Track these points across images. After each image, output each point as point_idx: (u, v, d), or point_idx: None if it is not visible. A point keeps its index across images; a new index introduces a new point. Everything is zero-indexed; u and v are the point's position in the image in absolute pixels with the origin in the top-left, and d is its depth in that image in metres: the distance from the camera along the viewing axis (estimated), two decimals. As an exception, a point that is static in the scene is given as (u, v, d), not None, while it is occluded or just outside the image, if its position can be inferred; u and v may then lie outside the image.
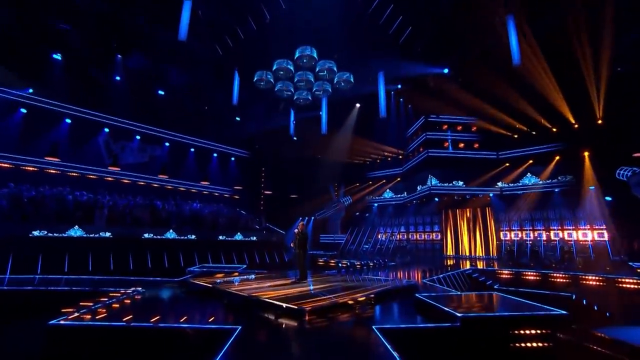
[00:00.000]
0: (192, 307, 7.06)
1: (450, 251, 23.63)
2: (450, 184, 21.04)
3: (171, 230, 17.26)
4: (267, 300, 6.79)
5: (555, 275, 14.38)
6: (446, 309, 5.99)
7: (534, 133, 19.90)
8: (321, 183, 26.74)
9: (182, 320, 5.54)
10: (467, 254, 22.78)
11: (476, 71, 16.13)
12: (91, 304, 6.31)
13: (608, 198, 17.00)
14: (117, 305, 6.63)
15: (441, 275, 13.89)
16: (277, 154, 26.35)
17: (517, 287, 13.64)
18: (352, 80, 12.35)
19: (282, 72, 11.75)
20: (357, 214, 28.35)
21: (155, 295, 8.29)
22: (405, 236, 26.46)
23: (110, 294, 7.48)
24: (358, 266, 16.39)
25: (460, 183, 21.03)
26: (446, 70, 17.57)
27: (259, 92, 20.88)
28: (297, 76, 12.24)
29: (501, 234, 21.96)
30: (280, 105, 17.72)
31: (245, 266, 15.47)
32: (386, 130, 22.18)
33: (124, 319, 5.45)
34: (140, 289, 8.45)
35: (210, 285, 8.55)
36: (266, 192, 26.49)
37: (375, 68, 14.55)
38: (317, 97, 13.74)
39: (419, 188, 22.73)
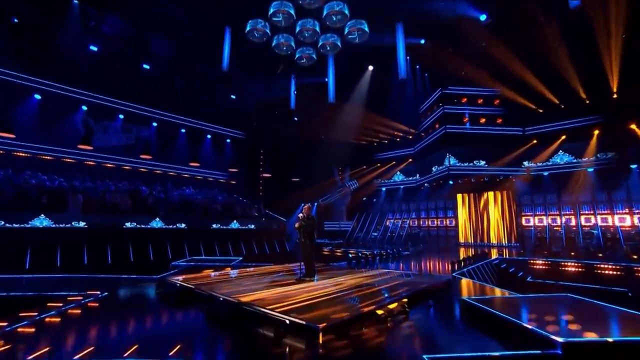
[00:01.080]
0: (157, 324, 5.20)
1: (467, 238, 21.80)
2: (471, 164, 19.04)
3: (157, 219, 15.40)
4: (264, 310, 4.93)
5: (601, 266, 12.55)
6: (528, 326, 4.10)
7: (562, 107, 17.80)
8: (325, 166, 24.76)
9: (126, 355, 3.64)
10: (485, 241, 20.95)
11: (523, 19, 13.68)
12: (5, 324, 4.43)
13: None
14: (51, 321, 4.76)
15: (470, 267, 12.07)
16: (276, 134, 24.31)
17: (555, 280, 11.84)
18: (366, 29, 10.22)
19: (280, 19, 9.63)
20: (364, 199, 26.47)
21: (115, 303, 6.44)
22: (417, 223, 24.62)
23: (50, 304, 5.60)
24: (369, 256, 14.56)
25: (482, 163, 19.02)
26: (484, 17, 15.01)
27: (254, 62, 18.77)
28: (299, 25, 10.13)
29: (523, 219, 20.08)
30: (279, 67, 15.57)
31: (241, 258, 13.66)
32: (399, 104, 19.97)
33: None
34: (99, 293, 6.59)
35: (192, 286, 6.69)
36: (265, 174, 24.47)
37: (394, 13, 12.29)
38: (324, 53, 11.60)
39: (434, 169, 20.75)
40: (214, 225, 17.42)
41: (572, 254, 14.62)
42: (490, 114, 19.26)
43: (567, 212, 18.58)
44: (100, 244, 12.87)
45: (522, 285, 11.96)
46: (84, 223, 12.95)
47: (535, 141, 18.47)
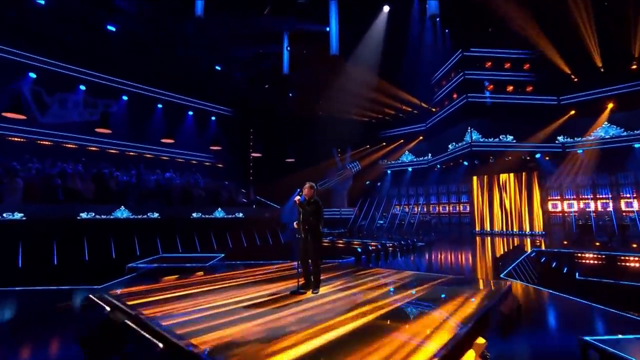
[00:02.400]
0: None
1: (483, 226, 19.47)
2: (496, 139, 16.54)
3: (123, 208, 12.79)
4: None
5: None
6: None
7: (602, 70, 15.21)
8: (323, 146, 22.13)
9: None
10: (504, 229, 18.63)
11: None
12: None
13: None
14: None
15: (514, 265, 9.73)
16: (268, 111, 21.55)
17: (615, 279, 9.31)
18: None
19: None
20: (368, 183, 23.99)
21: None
22: (426, 209, 22.23)
23: None
24: (382, 249, 12.14)
25: (509, 138, 16.52)
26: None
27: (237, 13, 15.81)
28: None
29: (549, 204, 17.73)
30: (267, 6, 12.75)
31: (222, 255, 11.17)
32: (412, 70, 17.00)
33: None
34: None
35: (131, 311, 4.16)
36: (255, 154, 21.73)
37: None
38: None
39: (451, 147, 18.25)
40: (195, 215, 14.88)
41: (634, 245, 12.27)
42: (520, 80, 16.65)
43: (603, 196, 16.25)
44: (43, 239, 10.28)
45: (571, 284, 9.65)
46: (21, 214, 10.32)
47: (573, 112, 15.92)
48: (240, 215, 16.41)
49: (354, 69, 16.21)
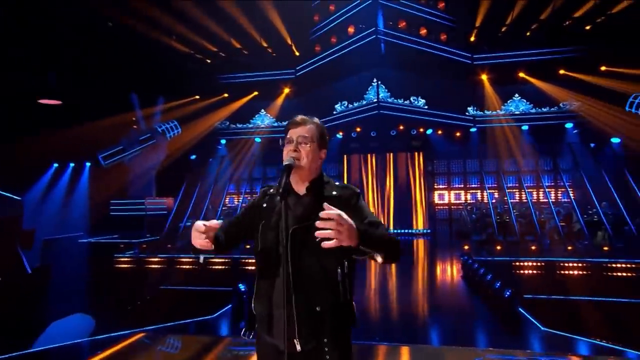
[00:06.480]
0: None
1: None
2: (407, 102, 12.08)
3: None
4: None
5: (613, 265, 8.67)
6: None
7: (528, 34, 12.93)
8: (114, 87, 12.46)
9: None
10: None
11: None
12: None
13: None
14: None
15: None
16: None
17: (557, 295, 7.64)
18: None
19: None
20: (194, 157, 15.89)
21: None
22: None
23: None
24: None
25: (422, 102, 12.34)
26: None
27: None
28: None
29: (436, 194, 15.17)
30: None
31: None
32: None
33: None
34: None
35: None
36: None
37: None
38: None
39: (339, 107, 12.77)
40: None
41: (570, 248, 10.02)
42: (434, 22, 12.50)
43: (492, 186, 14.65)
44: None
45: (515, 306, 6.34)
46: None
47: (484, 76, 13.05)
48: None
49: None
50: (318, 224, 1.32)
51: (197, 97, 14.72)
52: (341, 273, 1.56)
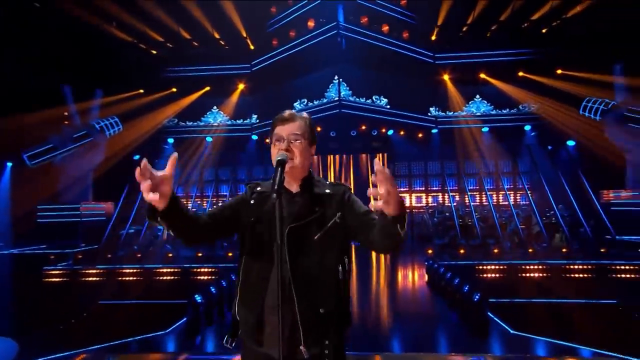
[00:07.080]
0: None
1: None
2: (369, 101, 11.62)
3: None
4: None
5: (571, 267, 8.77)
6: None
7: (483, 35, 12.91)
8: (43, 75, 10.99)
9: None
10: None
11: None
12: None
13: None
14: None
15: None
16: None
17: (515, 297, 7.70)
18: None
19: None
20: (138, 157, 14.56)
21: None
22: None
23: None
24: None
25: (384, 102, 11.93)
26: None
27: None
28: None
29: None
30: None
31: None
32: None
33: None
34: None
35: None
36: None
37: None
38: None
39: (298, 106, 12.07)
40: None
41: (531, 251, 10.01)
42: (396, 19, 12.15)
43: (453, 188, 14.61)
44: None
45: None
46: None
47: (445, 76, 12.88)
48: None
49: None
50: (373, 178, 1.26)
51: (141, 91, 13.44)
52: (342, 271, 1.58)
